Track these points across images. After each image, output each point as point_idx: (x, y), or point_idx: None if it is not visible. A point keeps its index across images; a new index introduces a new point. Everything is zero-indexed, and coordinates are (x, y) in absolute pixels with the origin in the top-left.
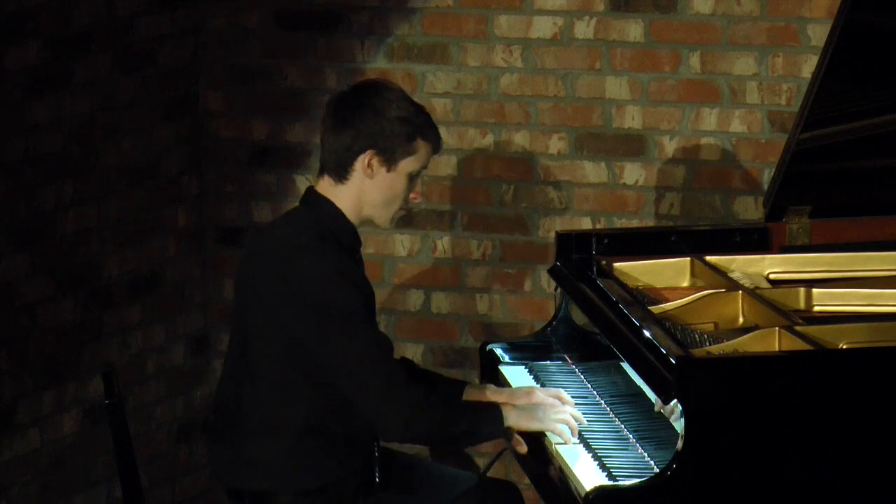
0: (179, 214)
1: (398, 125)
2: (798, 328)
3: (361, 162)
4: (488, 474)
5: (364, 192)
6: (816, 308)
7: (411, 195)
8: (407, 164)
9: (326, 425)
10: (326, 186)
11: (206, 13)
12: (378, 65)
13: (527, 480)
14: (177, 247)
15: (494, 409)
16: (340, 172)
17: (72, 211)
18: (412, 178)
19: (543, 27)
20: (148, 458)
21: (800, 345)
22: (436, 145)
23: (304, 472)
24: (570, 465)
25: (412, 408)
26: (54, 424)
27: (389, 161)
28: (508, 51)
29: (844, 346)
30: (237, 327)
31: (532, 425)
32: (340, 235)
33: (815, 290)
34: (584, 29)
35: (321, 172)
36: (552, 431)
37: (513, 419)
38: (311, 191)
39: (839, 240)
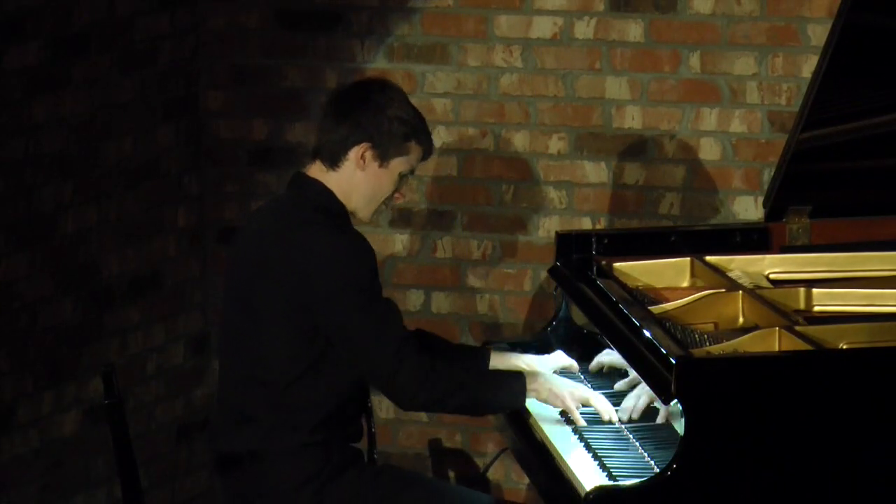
0: (179, 214)
1: (396, 124)
2: (798, 328)
3: (355, 153)
4: (488, 474)
5: (353, 183)
6: (816, 308)
7: (396, 195)
8: (398, 164)
9: (326, 381)
10: (317, 171)
11: (206, 13)
12: (378, 65)
13: (527, 480)
14: (177, 247)
15: (515, 379)
16: (333, 160)
17: (72, 211)
18: (401, 177)
19: (543, 27)
20: (148, 458)
21: (800, 345)
22: (427, 150)
23: (299, 428)
24: (569, 464)
25: (421, 377)
26: (54, 424)
27: (382, 157)
28: (508, 51)
29: (844, 346)
30: (235, 295)
31: (556, 403)
32: (333, 211)
33: (815, 290)
34: (584, 29)
35: (313, 157)
36: (572, 414)
37: (537, 392)
38: (299, 174)
39: (839, 240)
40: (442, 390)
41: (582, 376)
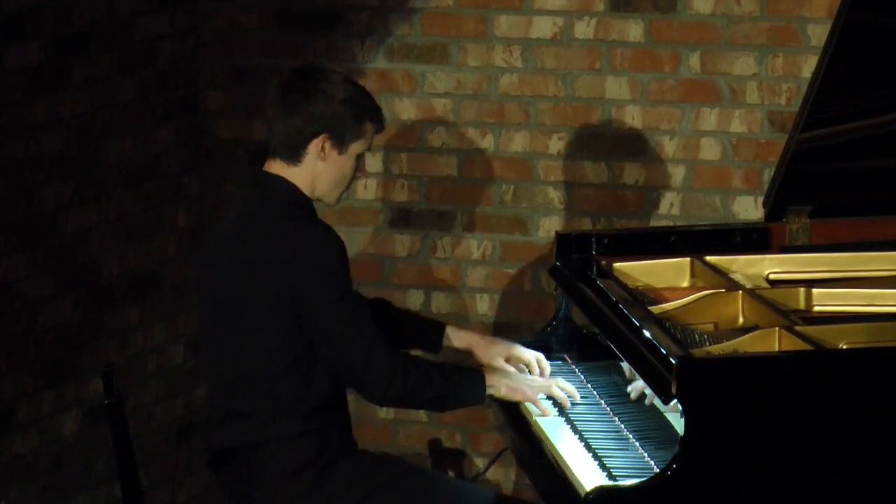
0: (179, 214)
1: (347, 108)
2: (798, 328)
3: (315, 146)
4: (488, 474)
5: (317, 173)
6: (816, 308)
7: (357, 174)
8: (356, 147)
9: (316, 370)
10: (279, 168)
11: (206, 13)
12: (378, 65)
13: (527, 480)
14: (177, 247)
15: (476, 376)
16: (293, 155)
17: (72, 211)
18: (359, 158)
19: (543, 27)
20: (148, 458)
21: (800, 345)
22: (380, 126)
23: (294, 417)
24: (569, 464)
25: (391, 374)
26: (54, 424)
27: (341, 144)
28: (508, 51)
29: (844, 346)
30: (215, 298)
31: (515, 397)
32: (301, 205)
33: (815, 291)
34: (584, 29)
35: (272, 155)
36: (535, 405)
37: (495, 389)
38: (263, 173)
39: (839, 240)
40: (411, 387)
41: (580, 374)
